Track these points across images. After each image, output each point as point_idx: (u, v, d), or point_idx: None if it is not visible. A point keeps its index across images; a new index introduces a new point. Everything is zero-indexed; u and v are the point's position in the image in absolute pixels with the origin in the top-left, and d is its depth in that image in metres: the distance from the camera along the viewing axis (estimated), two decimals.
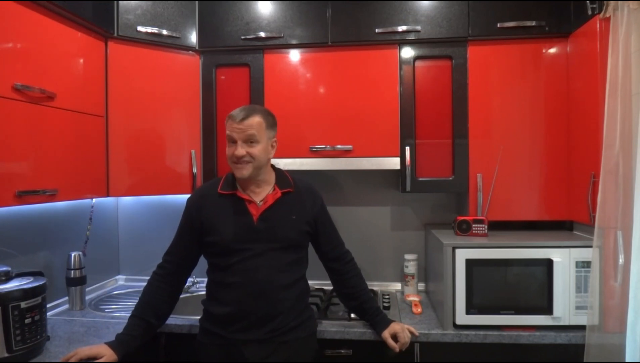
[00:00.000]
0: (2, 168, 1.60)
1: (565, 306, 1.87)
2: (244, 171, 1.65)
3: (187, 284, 2.49)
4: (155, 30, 2.23)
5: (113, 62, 2.18)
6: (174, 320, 1.98)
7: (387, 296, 2.30)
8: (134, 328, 1.68)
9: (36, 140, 1.74)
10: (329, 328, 1.91)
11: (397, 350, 1.75)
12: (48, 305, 1.90)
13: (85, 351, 1.56)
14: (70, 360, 1.53)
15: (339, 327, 1.92)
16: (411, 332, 1.81)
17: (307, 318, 1.76)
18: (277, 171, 1.81)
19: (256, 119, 1.65)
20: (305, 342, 1.74)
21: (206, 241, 1.70)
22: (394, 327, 1.79)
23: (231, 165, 1.69)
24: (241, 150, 1.63)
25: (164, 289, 1.75)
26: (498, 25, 2.14)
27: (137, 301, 1.74)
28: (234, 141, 1.66)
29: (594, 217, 1.83)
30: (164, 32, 2.25)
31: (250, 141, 1.64)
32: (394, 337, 1.77)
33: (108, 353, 1.57)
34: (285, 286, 1.67)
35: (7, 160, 1.62)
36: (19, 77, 1.65)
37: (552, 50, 2.15)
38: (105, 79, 2.17)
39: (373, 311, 1.84)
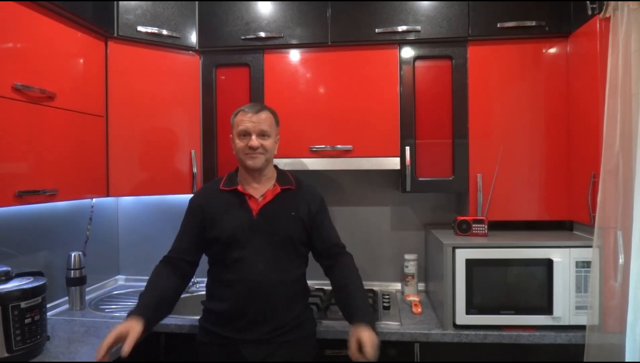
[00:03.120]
0: (2, 167, 1.60)
1: (565, 307, 1.87)
2: (257, 161, 1.70)
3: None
4: (155, 30, 2.23)
5: (113, 62, 2.18)
6: (174, 320, 1.98)
7: (387, 296, 2.30)
8: (147, 305, 1.60)
9: (36, 140, 1.74)
10: (330, 328, 1.91)
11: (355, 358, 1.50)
12: (48, 305, 1.90)
13: (109, 340, 1.41)
14: (104, 361, 1.40)
15: (340, 326, 1.92)
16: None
17: (306, 318, 1.77)
18: (279, 170, 1.84)
19: (267, 114, 1.75)
20: (305, 343, 1.74)
21: (207, 237, 1.72)
22: (363, 333, 1.50)
23: (242, 157, 1.71)
24: (256, 141, 1.69)
25: (168, 277, 1.70)
26: (498, 25, 2.13)
27: (137, 301, 1.69)
28: (246, 134, 1.70)
29: (594, 217, 1.83)
30: (164, 32, 2.25)
31: (262, 134, 1.71)
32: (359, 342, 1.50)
33: (132, 327, 1.45)
34: (283, 283, 1.67)
35: (7, 160, 1.62)
36: (19, 77, 1.65)
37: (552, 50, 2.15)
38: (105, 79, 2.17)
39: (354, 308, 1.63)
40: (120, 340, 1.44)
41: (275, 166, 1.85)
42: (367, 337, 1.48)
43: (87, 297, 2.30)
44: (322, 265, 1.84)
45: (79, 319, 2.05)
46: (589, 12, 1.90)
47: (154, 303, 1.62)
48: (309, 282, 1.82)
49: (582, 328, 1.81)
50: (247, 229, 1.68)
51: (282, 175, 1.82)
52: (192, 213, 1.77)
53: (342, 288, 1.73)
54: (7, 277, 1.59)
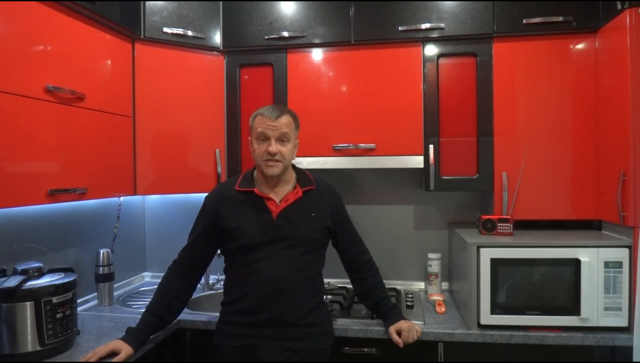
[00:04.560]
0: (34, 167, 1.65)
1: (593, 308, 1.83)
2: (275, 169, 1.67)
3: (211, 281, 2.54)
4: (180, 31, 2.26)
5: (140, 63, 2.22)
6: (199, 316, 2.02)
7: (410, 296, 2.29)
8: (147, 323, 1.71)
9: (67, 140, 1.79)
10: (352, 326, 1.91)
11: (401, 345, 1.75)
12: (78, 301, 1.95)
13: (103, 349, 1.58)
14: (89, 360, 1.53)
15: (362, 325, 1.92)
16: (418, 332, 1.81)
17: (322, 315, 1.77)
18: (298, 171, 1.82)
19: (288, 119, 1.70)
20: (321, 353, 1.73)
21: (225, 239, 1.72)
22: (401, 324, 1.79)
23: (261, 163, 1.69)
24: (274, 147, 1.65)
25: (178, 285, 1.77)
26: (524, 22, 2.10)
27: (141, 315, 1.75)
28: (266, 138, 1.68)
29: (624, 216, 1.79)
30: (189, 33, 2.28)
31: (282, 139, 1.68)
32: (399, 333, 1.78)
33: (125, 348, 1.60)
34: (302, 283, 1.68)
35: (39, 160, 1.67)
36: (51, 79, 1.70)
37: (580, 46, 2.10)
38: (132, 80, 2.21)
39: (387, 309, 1.86)
40: (113, 354, 1.58)
41: (294, 166, 1.82)
42: (407, 326, 1.78)
43: (115, 293, 2.35)
44: (345, 267, 1.91)
45: (107, 314, 2.10)
46: (619, 7, 1.85)
47: (153, 323, 1.73)
48: (332, 280, 1.83)
49: (610, 329, 1.78)
50: (267, 231, 1.67)
51: (302, 175, 1.80)
52: (207, 213, 1.76)
53: (372, 294, 1.87)
54: (39, 273, 1.64)
